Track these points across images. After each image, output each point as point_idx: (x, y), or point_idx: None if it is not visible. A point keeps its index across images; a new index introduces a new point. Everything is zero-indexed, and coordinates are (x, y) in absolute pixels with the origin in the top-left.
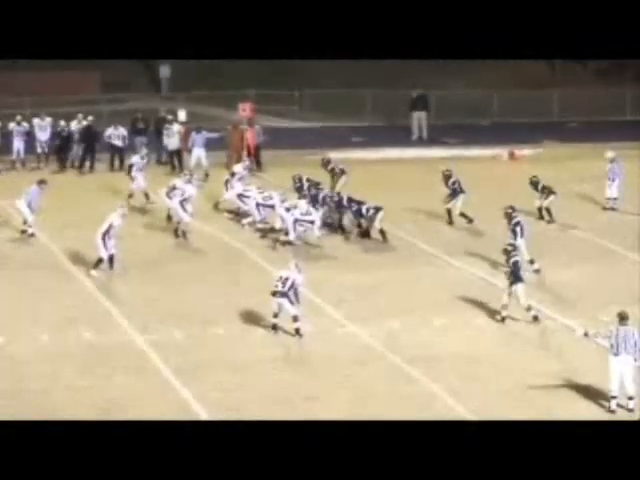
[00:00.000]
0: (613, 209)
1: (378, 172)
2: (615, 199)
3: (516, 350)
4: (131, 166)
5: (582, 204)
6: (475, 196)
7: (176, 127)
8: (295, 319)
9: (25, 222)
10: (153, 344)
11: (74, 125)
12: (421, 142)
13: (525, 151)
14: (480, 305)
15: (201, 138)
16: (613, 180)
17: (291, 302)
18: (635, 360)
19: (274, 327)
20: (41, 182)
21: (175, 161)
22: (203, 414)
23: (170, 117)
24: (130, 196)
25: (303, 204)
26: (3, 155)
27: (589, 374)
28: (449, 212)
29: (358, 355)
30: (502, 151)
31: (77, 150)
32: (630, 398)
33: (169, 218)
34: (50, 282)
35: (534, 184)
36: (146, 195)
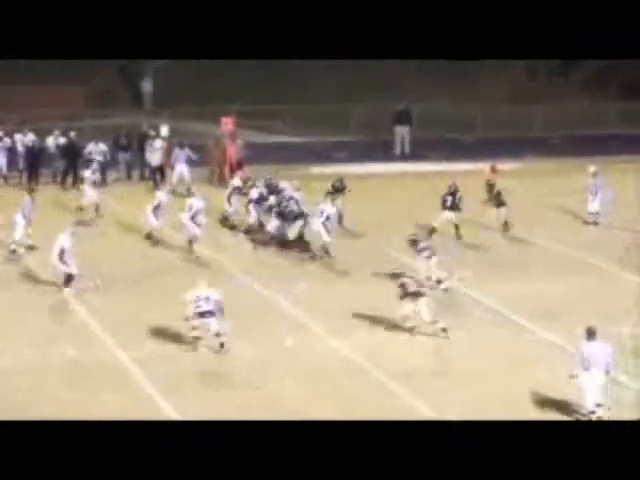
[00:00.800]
0: (595, 223)
1: (361, 187)
2: (597, 213)
3: (499, 363)
4: (82, 180)
5: (564, 218)
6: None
7: (158, 143)
8: (218, 335)
9: (14, 240)
10: (136, 360)
11: (51, 141)
12: (404, 157)
13: (507, 165)
14: (461, 319)
15: (184, 154)
16: (595, 194)
17: (217, 319)
18: (607, 373)
19: (222, 345)
20: (31, 191)
21: (158, 177)
22: None
23: (152, 133)
24: (80, 209)
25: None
26: None
27: (572, 387)
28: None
29: (341, 369)
30: (484, 165)
31: (58, 165)
32: (598, 405)
33: (149, 236)
34: (34, 298)
35: (490, 186)
36: (97, 208)
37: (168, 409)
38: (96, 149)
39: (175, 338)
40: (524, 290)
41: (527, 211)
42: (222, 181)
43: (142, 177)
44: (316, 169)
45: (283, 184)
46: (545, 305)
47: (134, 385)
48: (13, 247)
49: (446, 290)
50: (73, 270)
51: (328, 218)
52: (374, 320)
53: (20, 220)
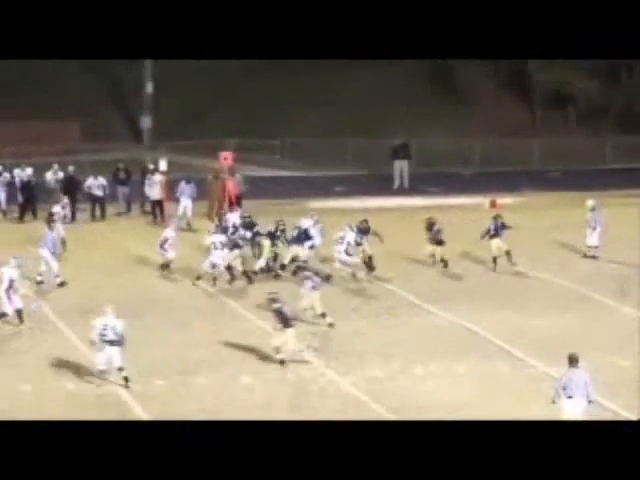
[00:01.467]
0: (594, 257)
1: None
2: (596, 247)
3: (498, 398)
4: (52, 215)
5: (563, 252)
6: (457, 244)
7: (157, 177)
8: (121, 369)
9: (40, 274)
10: (135, 394)
11: (50, 175)
12: (402, 191)
13: (506, 200)
14: (461, 353)
15: (189, 189)
16: (594, 228)
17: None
18: (589, 402)
19: (126, 379)
20: (50, 221)
21: (157, 211)
22: None
23: (151, 167)
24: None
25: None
26: None
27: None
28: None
29: (340, 404)
30: (483, 200)
31: (56, 200)
32: None
33: (164, 266)
34: (29, 332)
35: (429, 224)
36: (63, 243)
37: None
38: (95, 183)
39: (175, 371)
40: (523, 323)
41: (526, 245)
42: (221, 216)
43: (144, 210)
44: (315, 203)
45: (307, 221)
46: (544, 339)
47: (133, 418)
48: (59, 280)
49: (331, 325)
50: (8, 309)
51: (349, 244)
52: (371, 354)
53: (45, 253)
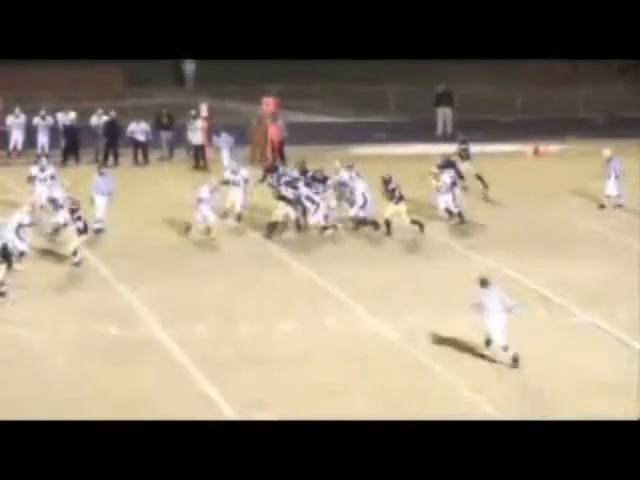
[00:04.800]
0: (620, 205)
1: (401, 168)
2: (617, 196)
3: (537, 346)
4: (33, 178)
5: (606, 200)
6: (498, 192)
7: (199, 122)
8: None
9: (97, 221)
10: (177, 339)
11: (94, 120)
12: (446, 138)
13: (549, 147)
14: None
15: (224, 140)
16: (616, 177)
17: None
18: (509, 311)
19: None
20: (101, 168)
21: (199, 156)
22: (228, 410)
23: (193, 112)
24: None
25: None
26: (28, 149)
27: (611, 369)
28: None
29: (381, 351)
30: (527, 147)
31: (99, 144)
32: (505, 349)
33: (188, 229)
34: (72, 277)
35: (385, 182)
36: (39, 207)
37: (211, 391)
38: (138, 128)
39: (217, 318)
40: (563, 270)
41: (569, 193)
42: (263, 161)
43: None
44: (356, 150)
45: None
46: (581, 288)
47: (175, 364)
48: (97, 226)
49: (78, 264)
50: (25, 248)
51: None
52: (412, 301)
53: (96, 198)
